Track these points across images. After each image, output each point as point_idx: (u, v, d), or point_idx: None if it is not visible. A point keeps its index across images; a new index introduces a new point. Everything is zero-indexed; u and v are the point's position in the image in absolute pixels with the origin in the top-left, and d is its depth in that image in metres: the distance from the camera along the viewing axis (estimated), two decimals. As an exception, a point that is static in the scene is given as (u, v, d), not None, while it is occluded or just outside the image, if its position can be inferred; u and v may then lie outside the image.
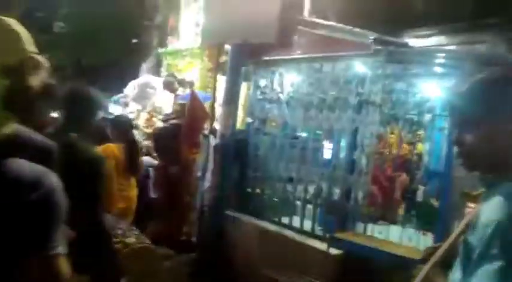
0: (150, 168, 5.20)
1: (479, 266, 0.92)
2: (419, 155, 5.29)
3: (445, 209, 3.11)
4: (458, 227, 1.24)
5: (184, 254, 4.79)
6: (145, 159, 5.05)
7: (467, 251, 0.99)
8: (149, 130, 5.93)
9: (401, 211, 4.51)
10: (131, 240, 2.14)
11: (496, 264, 0.88)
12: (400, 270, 2.48)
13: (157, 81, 6.42)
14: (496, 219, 0.91)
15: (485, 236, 0.92)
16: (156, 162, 5.22)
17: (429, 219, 3.53)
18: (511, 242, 0.88)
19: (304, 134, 4.29)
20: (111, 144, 3.49)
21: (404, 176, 4.84)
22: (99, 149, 1.96)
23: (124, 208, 3.23)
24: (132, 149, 3.64)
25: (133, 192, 3.71)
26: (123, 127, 3.69)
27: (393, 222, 4.25)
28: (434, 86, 3.92)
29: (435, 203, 3.99)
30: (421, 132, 5.23)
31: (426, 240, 3.38)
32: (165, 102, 6.37)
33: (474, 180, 1.22)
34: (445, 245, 1.24)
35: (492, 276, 0.88)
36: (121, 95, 6.77)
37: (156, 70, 6.84)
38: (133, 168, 3.64)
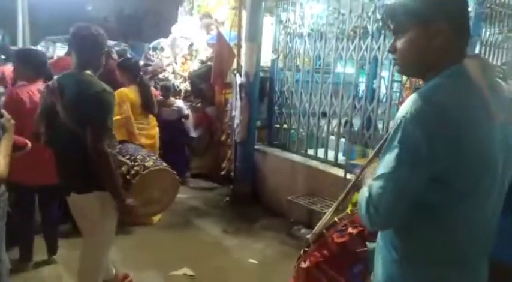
0: (188, 110, 5.53)
1: (383, 157, 1.05)
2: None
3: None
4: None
5: (225, 186, 5.27)
6: (178, 102, 5.35)
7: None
8: (185, 73, 6.20)
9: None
10: (149, 163, 2.45)
11: (394, 152, 1.00)
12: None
13: (193, 24, 6.54)
14: (401, 115, 1.01)
15: (392, 131, 1.04)
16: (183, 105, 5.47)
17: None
18: (407, 134, 0.98)
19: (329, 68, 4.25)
20: (124, 88, 3.65)
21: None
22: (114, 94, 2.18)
23: (146, 145, 3.52)
24: (144, 90, 3.81)
25: (155, 130, 3.95)
26: (131, 70, 3.76)
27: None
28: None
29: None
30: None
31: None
32: (202, 45, 6.53)
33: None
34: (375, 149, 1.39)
35: (390, 162, 1.01)
36: (157, 41, 7.03)
37: (191, 13, 6.91)
38: (149, 107, 3.84)
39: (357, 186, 1.40)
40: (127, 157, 2.40)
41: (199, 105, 5.81)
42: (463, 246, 1.09)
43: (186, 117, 5.39)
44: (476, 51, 3.26)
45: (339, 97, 3.99)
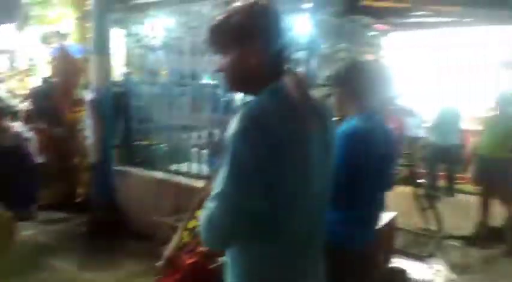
0: (29, 133, 4.80)
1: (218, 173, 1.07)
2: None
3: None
4: None
5: (82, 215, 4.71)
6: (15, 125, 4.63)
7: None
8: (24, 91, 5.40)
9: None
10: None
11: (225, 171, 1.03)
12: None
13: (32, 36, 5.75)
14: (229, 134, 1.04)
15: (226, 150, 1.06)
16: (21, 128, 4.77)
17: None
18: (235, 151, 1.02)
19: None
20: None
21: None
22: None
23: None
24: None
25: None
26: None
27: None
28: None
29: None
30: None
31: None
32: (42, 59, 5.81)
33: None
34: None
35: (222, 181, 1.03)
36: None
37: (24, 23, 6.07)
38: None
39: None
40: None
41: (44, 126, 5.11)
42: (297, 245, 1.15)
43: (27, 141, 4.67)
44: (314, 63, 3.63)
45: (199, 110, 3.98)
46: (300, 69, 4.58)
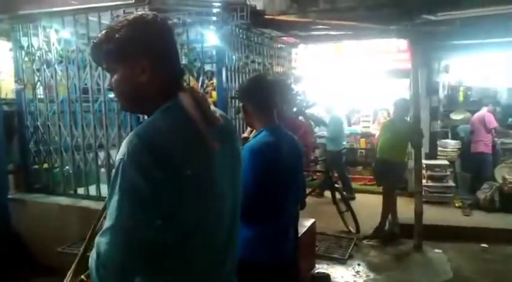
0: None
1: (108, 204, 0.96)
2: (214, 102, 5.53)
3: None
4: None
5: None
6: None
7: None
8: None
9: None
10: None
11: (116, 200, 0.93)
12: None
13: None
14: (119, 158, 0.96)
15: (112, 176, 0.97)
16: None
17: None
18: (126, 177, 0.93)
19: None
20: None
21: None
22: None
23: None
24: None
25: None
26: None
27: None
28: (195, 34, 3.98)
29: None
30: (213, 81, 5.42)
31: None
32: None
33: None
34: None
35: (113, 212, 0.93)
36: None
37: None
38: None
39: None
40: None
41: None
42: (204, 274, 1.09)
43: None
44: (223, 76, 3.64)
45: (106, 127, 3.73)
46: (210, 82, 4.60)
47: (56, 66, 3.86)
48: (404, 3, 4.18)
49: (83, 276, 1.24)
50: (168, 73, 1.09)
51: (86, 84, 3.76)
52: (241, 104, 1.89)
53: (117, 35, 1.04)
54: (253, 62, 4.05)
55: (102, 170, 3.83)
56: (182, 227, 1.01)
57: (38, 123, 4.01)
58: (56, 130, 3.92)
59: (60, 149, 3.92)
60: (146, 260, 0.98)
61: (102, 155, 3.80)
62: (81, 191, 3.89)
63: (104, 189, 3.74)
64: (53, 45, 3.85)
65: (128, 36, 1.04)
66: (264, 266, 1.65)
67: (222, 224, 1.12)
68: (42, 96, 4.01)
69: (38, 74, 3.96)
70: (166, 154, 0.96)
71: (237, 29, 3.76)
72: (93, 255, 0.95)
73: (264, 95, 1.80)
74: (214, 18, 3.33)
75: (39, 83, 3.98)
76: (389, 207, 4.57)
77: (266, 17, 3.59)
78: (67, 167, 3.95)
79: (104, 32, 1.07)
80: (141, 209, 0.93)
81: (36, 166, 4.09)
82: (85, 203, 3.71)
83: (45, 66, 3.91)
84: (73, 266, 1.17)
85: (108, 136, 3.71)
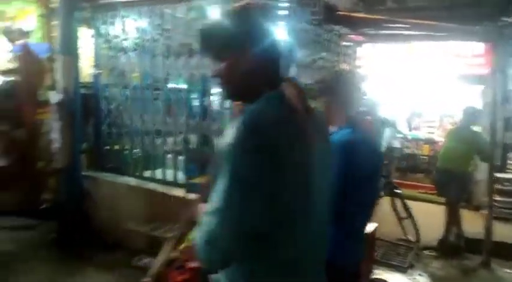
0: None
1: (215, 188, 1.01)
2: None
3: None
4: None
5: (49, 221, 4.47)
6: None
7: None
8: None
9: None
10: None
11: (224, 184, 0.97)
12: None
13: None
14: (225, 143, 0.99)
15: (220, 159, 1.01)
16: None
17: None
18: (234, 162, 0.97)
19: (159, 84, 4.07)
20: None
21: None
22: None
23: None
24: None
25: None
26: None
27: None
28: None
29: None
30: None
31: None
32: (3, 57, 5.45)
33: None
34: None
35: (222, 195, 0.97)
36: None
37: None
38: None
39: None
40: None
41: (3, 128, 4.81)
42: (297, 265, 1.11)
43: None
44: (294, 72, 3.63)
45: (174, 114, 3.88)
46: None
47: (130, 53, 4.06)
48: (485, 4, 3.92)
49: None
50: (273, 63, 1.12)
51: (158, 72, 3.93)
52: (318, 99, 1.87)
53: (228, 24, 1.08)
54: (321, 58, 4.00)
55: (169, 155, 4.00)
56: (282, 214, 1.04)
57: (112, 107, 4.25)
58: (128, 114, 4.13)
59: (131, 133, 4.14)
60: (247, 244, 1.01)
61: (169, 141, 3.95)
62: (148, 173, 4.08)
63: (170, 174, 3.91)
64: (128, 33, 4.05)
65: (239, 25, 1.08)
66: (334, 268, 1.63)
67: (317, 215, 1.14)
68: (116, 82, 4.25)
69: (114, 60, 4.19)
70: (272, 140, 0.99)
71: (308, 25, 3.72)
72: (200, 235, 1.00)
73: (347, 91, 1.78)
74: (285, 12, 3.30)
75: (114, 69, 4.21)
76: (453, 219, 4.33)
77: (339, 13, 3.51)
78: (136, 150, 4.16)
79: (215, 20, 1.12)
80: (248, 193, 0.98)
81: (108, 147, 4.35)
82: (151, 185, 3.89)
83: (120, 53, 4.13)
84: (168, 243, 1.22)
85: (176, 123, 3.85)
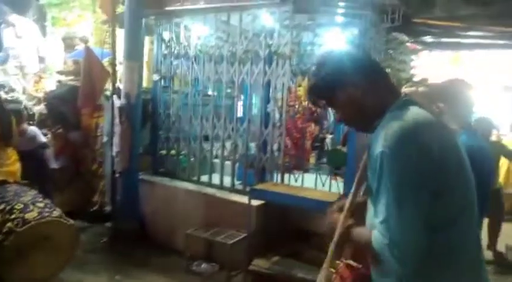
0: (45, 137, 4.64)
1: (378, 200, 1.03)
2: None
3: (353, 152, 3.33)
4: (359, 170, 1.30)
5: (98, 224, 4.52)
6: (32, 129, 4.44)
7: (370, 188, 1.11)
8: (39, 94, 5.21)
9: (312, 160, 4.74)
10: (32, 214, 1.86)
11: (392, 191, 1.00)
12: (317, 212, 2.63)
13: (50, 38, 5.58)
14: (379, 152, 1.02)
15: (376, 169, 1.03)
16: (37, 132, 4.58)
17: (338, 163, 3.76)
18: (395, 168, 1.00)
19: (213, 92, 4.11)
20: None
21: (312, 127, 5.05)
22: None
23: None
24: (1, 117, 3.04)
25: (15, 166, 3.17)
26: None
27: (306, 170, 4.44)
28: (339, 37, 4.02)
29: (343, 149, 4.23)
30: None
31: (337, 184, 3.63)
32: (57, 62, 5.64)
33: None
34: (353, 190, 1.30)
35: (394, 202, 1.00)
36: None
37: (40, 25, 5.87)
38: (5, 138, 3.05)
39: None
40: (0, 208, 1.75)
41: (60, 131, 4.92)
42: (473, 262, 1.11)
43: (45, 146, 4.50)
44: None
45: (223, 120, 3.91)
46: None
47: (193, 60, 4.12)
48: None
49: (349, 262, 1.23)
50: (382, 76, 1.19)
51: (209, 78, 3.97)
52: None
53: (324, 73, 1.17)
54: (387, 66, 3.97)
55: (226, 161, 4.00)
56: (450, 207, 1.05)
57: (170, 112, 4.30)
58: (185, 120, 4.17)
59: (188, 138, 4.17)
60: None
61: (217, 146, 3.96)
62: (203, 179, 4.09)
63: (226, 180, 3.91)
64: (190, 40, 4.12)
65: (333, 69, 1.16)
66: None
67: (474, 213, 1.12)
68: (176, 88, 4.32)
69: (174, 66, 4.26)
70: (431, 140, 1.02)
71: (379, 32, 3.69)
72: (379, 240, 1.01)
73: (466, 98, 1.75)
74: (357, 20, 3.29)
75: (175, 75, 4.28)
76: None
77: (416, 20, 3.47)
78: (189, 155, 4.18)
79: (313, 74, 1.21)
80: (417, 194, 0.99)
81: (163, 152, 4.39)
82: (209, 190, 3.88)
83: (182, 59, 4.20)
84: (330, 251, 1.19)
85: (235, 129, 3.86)
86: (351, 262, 1.19)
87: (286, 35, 3.56)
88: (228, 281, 3.35)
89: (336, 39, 3.67)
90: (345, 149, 3.97)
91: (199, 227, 3.66)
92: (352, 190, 1.25)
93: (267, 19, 3.71)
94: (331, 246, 1.18)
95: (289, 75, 3.56)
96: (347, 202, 1.24)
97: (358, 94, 1.14)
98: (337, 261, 1.20)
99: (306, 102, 4.78)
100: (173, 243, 3.86)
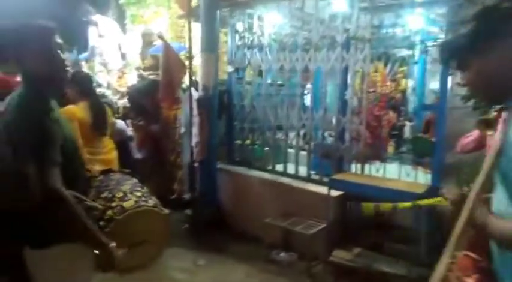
0: (130, 129, 4.96)
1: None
2: (403, 91, 5.24)
3: (441, 141, 3.10)
4: (490, 156, 1.17)
5: (178, 211, 4.75)
6: (118, 122, 4.75)
7: (504, 175, 1.02)
8: (122, 89, 5.57)
9: (391, 149, 4.53)
10: (129, 203, 1.99)
11: None
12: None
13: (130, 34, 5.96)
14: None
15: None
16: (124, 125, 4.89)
17: (422, 153, 3.55)
18: None
19: (286, 81, 4.07)
20: (71, 106, 3.06)
21: (390, 114, 4.82)
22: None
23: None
24: (96, 107, 3.25)
25: (112, 154, 3.38)
26: (82, 83, 3.18)
27: (383, 159, 4.25)
28: (420, 17, 3.76)
29: (425, 136, 3.98)
30: (404, 68, 5.13)
31: (420, 174, 3.42)
32: (137, 58, 5.98)
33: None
34: (481, 176, 1.18)
35: None
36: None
37: (120, 23, 6.27)
38: (100, 128, 3.27)
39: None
40: (104, 195, 1.89)
41: (141, 123, 5.23)
42: None
43: (130, 138, 4.81)
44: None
45: (298, 109, 3.85)
46: (401, 70, 4.30)
47: (267, 50, 4.11)
48: None
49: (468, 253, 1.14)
50: None
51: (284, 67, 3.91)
52: None
53: (464, 32, 1.05)
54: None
55: (302, 152, 3.96)
56: None
57: (245, 103, 4.36)
58: (259, 110, 4.20)
59: (263, 128, 4.20)
60: None
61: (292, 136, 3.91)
62: (278, 168, 4.09)
63: (302, 170, 3.87)
64: (264, 29, 4.10)
65: (477, 30, 1.03)
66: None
67: None
68: (249, 78, 4.36)
69: (248, 56, 4.29)
70: None
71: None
72: None
73: None
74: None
75: (248, 66, 4.32)
76: None
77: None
78: (264, 145, 4.21)
79: (450, 31, 1.12)
80: None
81: (239, 141, 4.48)
82: (285, 179, 3.89)
83: (256, 50, 4.21)
84: (454, 240, 1.10)
85: (310, 118, 3.80)
86: (472, 254, 1.10)
87: (365, 18, 3.40)
88: (308, 271, 3.33)
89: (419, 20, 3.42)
90: (428, 137, 3.74)
91: (276, 216, 3.68)
92: (481, 180, 1.13)
93: (342, 3, 3.57)
94: (454, 237, 1.09)
95: (369, 60, 3.40)
96: (473, 193, 1.12)
97: (498, 65, 1.04)
98: (457, 252, 1.11)
99: (382, 88, 4.57)
100: (251, 231, 3.93)
